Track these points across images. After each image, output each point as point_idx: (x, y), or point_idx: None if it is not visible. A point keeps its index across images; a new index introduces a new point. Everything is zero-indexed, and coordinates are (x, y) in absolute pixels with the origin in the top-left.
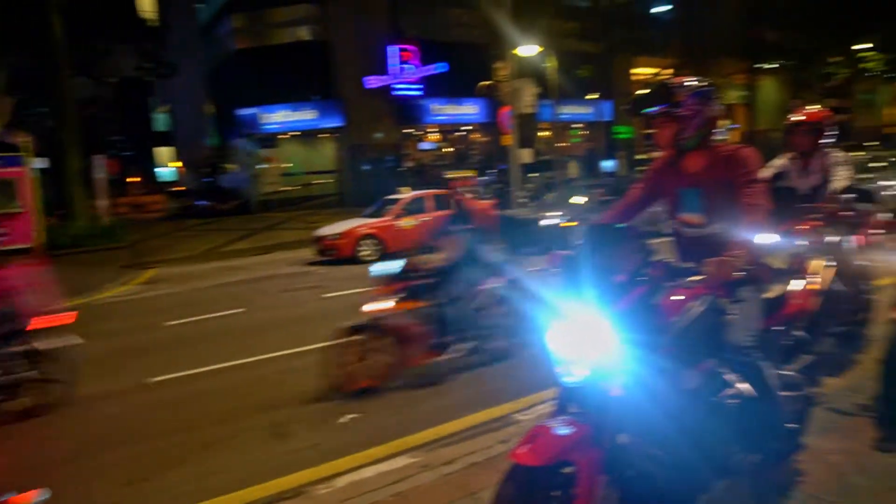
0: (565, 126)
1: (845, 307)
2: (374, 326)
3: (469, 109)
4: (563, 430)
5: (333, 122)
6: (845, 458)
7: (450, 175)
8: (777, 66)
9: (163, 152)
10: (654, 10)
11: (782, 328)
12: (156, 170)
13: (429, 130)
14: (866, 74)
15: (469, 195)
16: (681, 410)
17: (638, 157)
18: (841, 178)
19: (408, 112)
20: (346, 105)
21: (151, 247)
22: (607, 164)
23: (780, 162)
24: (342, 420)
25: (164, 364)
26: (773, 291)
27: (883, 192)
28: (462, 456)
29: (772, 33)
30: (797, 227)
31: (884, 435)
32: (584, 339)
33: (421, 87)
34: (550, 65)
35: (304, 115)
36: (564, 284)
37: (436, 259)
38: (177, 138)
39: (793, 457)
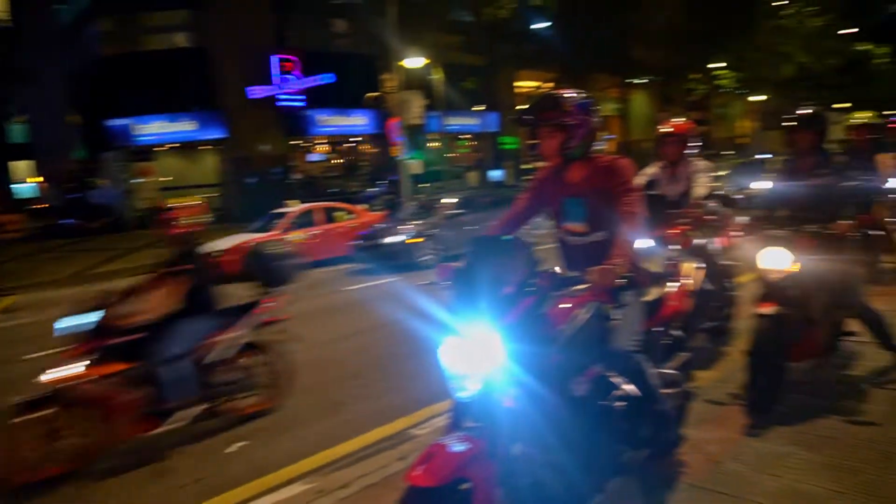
0: (454, 137)
1: (714, 304)
2: (60, 398)
3: (357, 121)
4: (458, 447)
5: (215, 134)
6: (721, 446)
7: (168, 203)
8: (646, 81)
9: (20, 167)
10: (535, 27)
11: (661, 329)
12: (12, 186)
13: (317, 142)
14: (721, 90)
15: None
16: (571, 417)
17: (524, 166)
18: (702, 184)
19: (294, 123)
20: (228, 116)
21: (9, 271)
22: (495, 174)
23: (651, 170)
24: (229, 450)
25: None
26: (652, 294)
27: (737, 196)
28: (358, 478)
29: (641, 52)
30: (668, 232)
31: (753, 422)
32: (476, 353)
33: (303, 98)
34: (437, 77)
35: (183, 126)
36: (454, 298)
37: (146, 309)
38: (36, 151)
39: (675, 450)
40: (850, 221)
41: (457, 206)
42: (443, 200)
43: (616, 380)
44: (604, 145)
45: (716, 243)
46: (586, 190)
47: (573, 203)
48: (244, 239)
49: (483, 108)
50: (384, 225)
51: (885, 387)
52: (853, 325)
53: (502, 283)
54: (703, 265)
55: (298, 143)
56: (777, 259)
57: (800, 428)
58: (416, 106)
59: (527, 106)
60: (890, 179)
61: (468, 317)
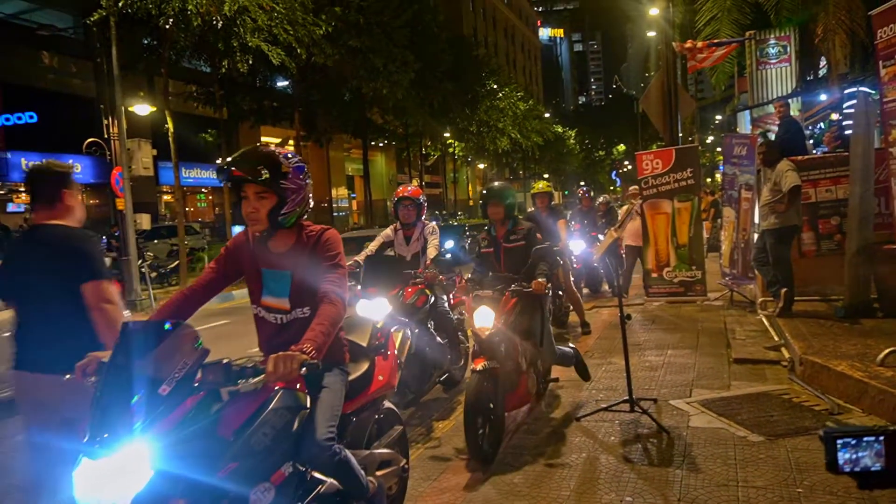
0: (194, 190)
1: (446, 357)
2: None
3: (77, 167)
4: None
5: None
6: (453, 496)
7: None
8: (384, 144)
9: None
10: (276, 85)
11: (370, 406)
12: None
13: (22, 189)
14: (455, 157)
15: None
16: None
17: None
18: (434, 245)
19: None
20: None
21: None
22: (237, 229)
23: (387, 232)
24: None
25: None
26: (359, 370)
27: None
28: None
29: (378, 117)
30: (406, 290)
31: (475, 467)
32: (116, 477)
33: None
34: (169, 125)
35: None
36: (96, 403)
37: None
38: None
39: None
40: (543, 280)
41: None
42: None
43: (315, 475)
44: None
45: (446, 301)
46: (292, 262)
47: (275, 276)
48: None
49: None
50: None
51: (580, 420)
52: (554, 371)
53: (157, 382)
54: (408, 334)
55: None
56: (484, 317)
57: (518, 469)
58: (144, 155)
59: (233, 158)
60: (569, 242)
61: (110, 427)
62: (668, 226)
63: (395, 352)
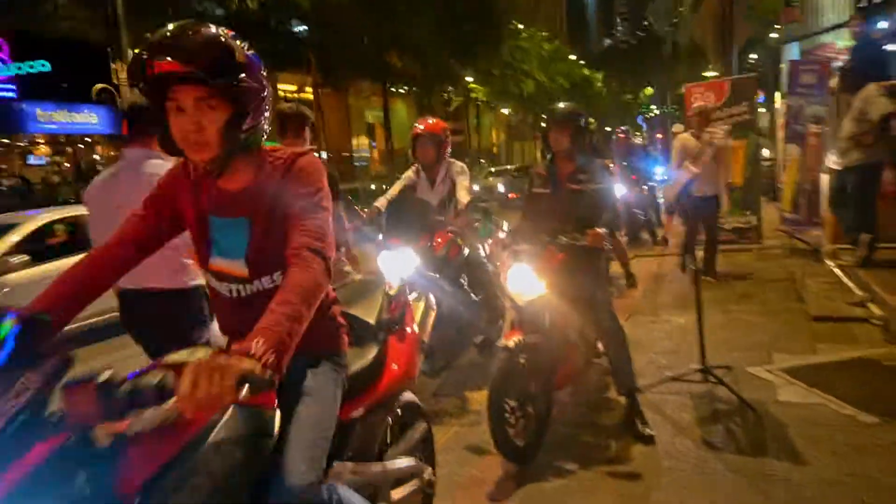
0: None
1: (482, 318)
2: None
3: (87, 118)
4: None
5: None
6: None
7: None
8: (406, 90)
9: None
10: (290, 28)
11: (382, 406)
12: None
13: (39, 141)
14: (477, 102)
15: None
16: None
17: None
18: (465, 188)
19: (3, 118)
20: None
21: None
22: None
23: (408, 174)
24: None
25: None
26: (363, 358)
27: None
28: None
29: (398, 61)
30: (435, 241)
31: (508, 462)
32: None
33: (13, 87)
34: None
35: None
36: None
37: None
38: None
39: None
40: (602, 230)
41: None
42: None
43: None
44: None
45: (485, 250)
46: (250, 205)
47: (227, 227)
48: None
49: None
50: None
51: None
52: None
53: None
54: (434, 305)
55: (9, 143)
56: (523, 279)
57: (571, 457)
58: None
59: (156, 40)
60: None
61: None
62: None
63: (416, 328)
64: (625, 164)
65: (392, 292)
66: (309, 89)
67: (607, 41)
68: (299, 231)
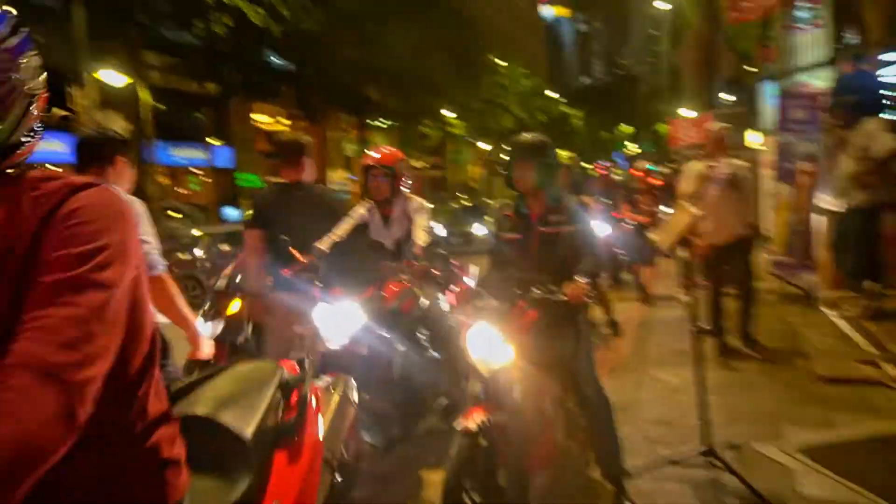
0: (185, 171)
1: (444, 379)
2: None
3: (53, 145)
4: None
5: None
6: None
7: None
8: (385, 125)
9: None
10: (265, 59)
11: None
12: None
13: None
14: (456, 136)
15: None
16: None
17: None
18: (424, 228)
19: None
20: None
21: None
22: (231, 213)
23: (359, 211)
24: None
25: None
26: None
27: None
28: None
29: (376, 94)
30: (387, 290)
31: None
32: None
33: None
34: (144, 98)
35: None
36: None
37: None
38: None
39: None
40: (583, 281)
41: None
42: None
43: None
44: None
45: (444, 301)
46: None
47: None
48: None
49: (219, 141)
50: None
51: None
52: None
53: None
54: (353, 394)
55: None
56: (488, 345)
57: None
58: (116, 129)
59: None
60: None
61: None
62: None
63: (320, 436)
64: (606, 200)
65: (289, 377)
66: (285, 121)
67: (586, 79)
68: (32, 329)
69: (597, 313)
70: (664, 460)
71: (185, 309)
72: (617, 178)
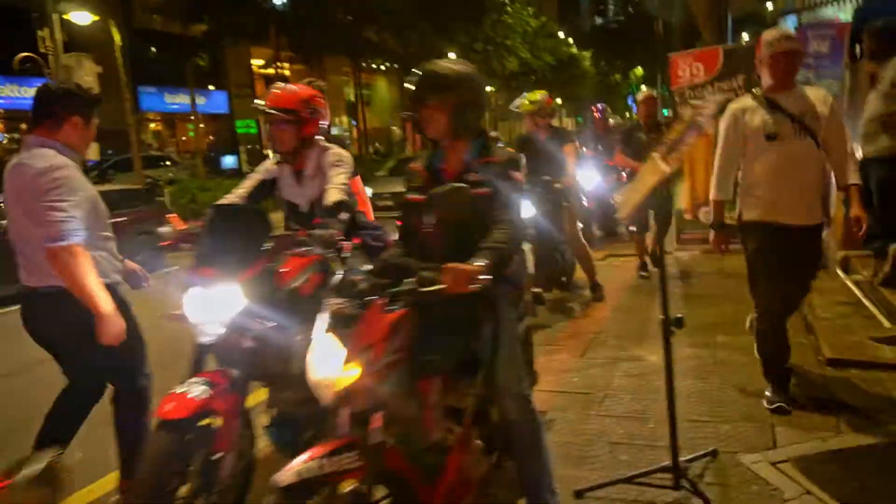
0: (182, 118)
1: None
2: None
3: (31, 91)
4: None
5: None
6: None
7: None
8: (385, 67)
9: None
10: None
11: None
12: None
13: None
14: None
15: None
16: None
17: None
18: (338, 185)
19: None
20: None
21: None
22: (229, 160)
23: (266, 165)
24: None
25: None
26: None
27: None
28: None
29: (374, 35)
30: (285, 266)
31: None
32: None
33: None
34: (116, 39)
35: None
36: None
37: None
38: None
39: None
40: (479, 265)
41: None
42: None
43: None
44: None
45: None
46: None
47: None
48: None
49: (213, 87)
50: None
51: (581, 497)
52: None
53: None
54: None
55: None
56: (331, 363)
57: None
58: (86, 73)
59: None
60: (578, 174)
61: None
62: (709, 152)
63: None
64: (600, 146)
65: None
66: (283, 64)
67: (598, 19)
68: None
69: (580, 274)
70: (620, 477)
71: (92, 285)
72: (613, 121)
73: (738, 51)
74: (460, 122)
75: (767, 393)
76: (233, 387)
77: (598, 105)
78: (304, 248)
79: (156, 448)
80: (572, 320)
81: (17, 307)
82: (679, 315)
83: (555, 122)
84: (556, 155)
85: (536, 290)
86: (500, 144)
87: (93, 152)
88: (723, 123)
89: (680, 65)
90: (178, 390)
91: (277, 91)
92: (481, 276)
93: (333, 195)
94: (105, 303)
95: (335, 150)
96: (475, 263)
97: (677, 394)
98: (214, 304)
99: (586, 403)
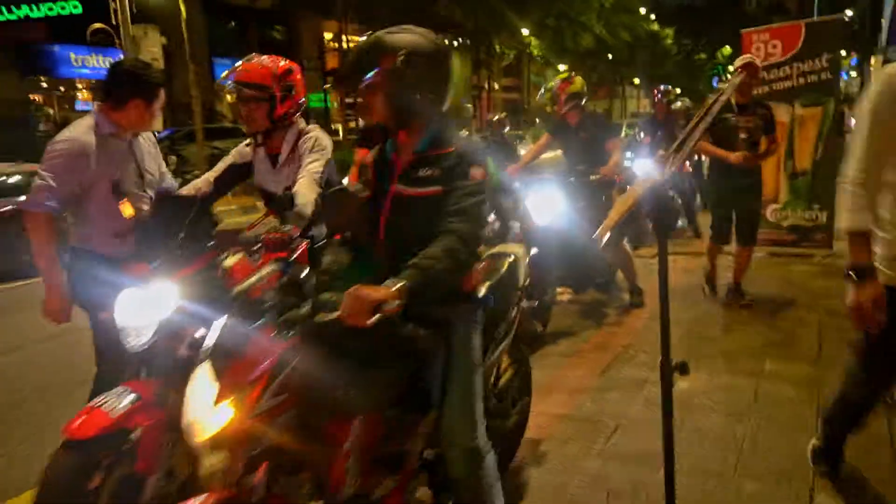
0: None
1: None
2: None
3: (93, 61)
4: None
5: None
6: None
7: None
8: (456, 42)
9: None
10: None
11: None
12: None
13: (80, 86)
14: (536, 57)
15: None
16: None
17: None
18: (308, 174)
19: (34, 61)
20: None
21: None
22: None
23: (240, 148)
24: None
25: None
26: None
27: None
28: None
29: (444, 9)
30: (236, 264)
31: None
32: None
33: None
34: (182, 10)
35: None
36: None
37: None
38: None
39: None
40: (395, 288)
41: None
42: None
43: None
44: None
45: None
46: None
47: None
48: None
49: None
50: None
51: None
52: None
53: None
54: None
55: (45, 87)
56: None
57: None
58: (151, 44)
59: None
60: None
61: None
62: (782, 143)
63: None
64: (659, 133)
65: None
66: (352, 37)
67: None
68: None
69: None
70: None
71: (45, 256)
72: (678, 105)
73: (825, 26)
74: (405, 105)
75: (815, 441)
76: (160, 400)
77: (661, 86)
78: (254, 247)
79: (56, 472)
80: (602, 328)
81: (10, 285)
82: (683, 360)
83: (599, 107)
84: (591, 143)
85: (563, 291)
86: (505, 129)
87: (157, 123)
88: (869, 98)
89: (754, 42)
90: (96, 403)
91: (247, 63)
92: (390, 304)
93: (305, 188)
94: (51, 277)
95: (314, 133)
96: (394, 286)
97: (700, 434)
98: (147, 306)
99: (592, 435)
